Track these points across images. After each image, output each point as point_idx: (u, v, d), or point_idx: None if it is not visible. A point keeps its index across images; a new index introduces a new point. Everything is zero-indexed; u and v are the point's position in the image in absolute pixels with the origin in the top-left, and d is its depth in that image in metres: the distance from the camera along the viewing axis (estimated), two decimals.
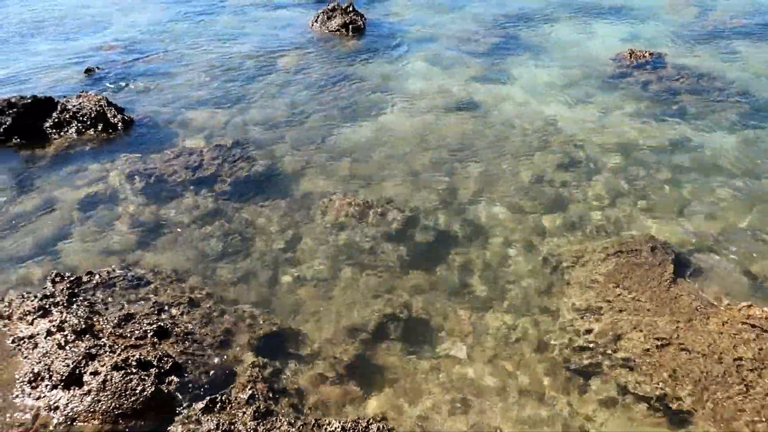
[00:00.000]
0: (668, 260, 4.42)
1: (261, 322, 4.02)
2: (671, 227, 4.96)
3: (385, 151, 6.11)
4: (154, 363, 3.44)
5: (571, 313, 4.12)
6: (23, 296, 3.94)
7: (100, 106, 6.54)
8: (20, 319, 3.75)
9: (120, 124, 6.50)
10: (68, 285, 4.03)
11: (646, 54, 7.96)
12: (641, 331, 3.85)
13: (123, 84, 8.00)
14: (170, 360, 3.49)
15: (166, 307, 3.99)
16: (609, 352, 3.80)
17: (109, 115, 6.51)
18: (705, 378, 3.51)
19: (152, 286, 4.28)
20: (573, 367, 3.78)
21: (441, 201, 5.33)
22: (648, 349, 3.74)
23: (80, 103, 6.62)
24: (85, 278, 4.18)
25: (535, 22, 9.82)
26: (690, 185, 5.48)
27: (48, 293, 3.96)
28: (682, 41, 8.81)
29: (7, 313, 3.84)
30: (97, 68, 8.54)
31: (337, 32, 9.34)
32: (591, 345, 3.87)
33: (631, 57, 7.96)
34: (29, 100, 6.47)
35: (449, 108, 6.97)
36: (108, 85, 8.00)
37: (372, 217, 5.00)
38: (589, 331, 3.96)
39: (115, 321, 3.75)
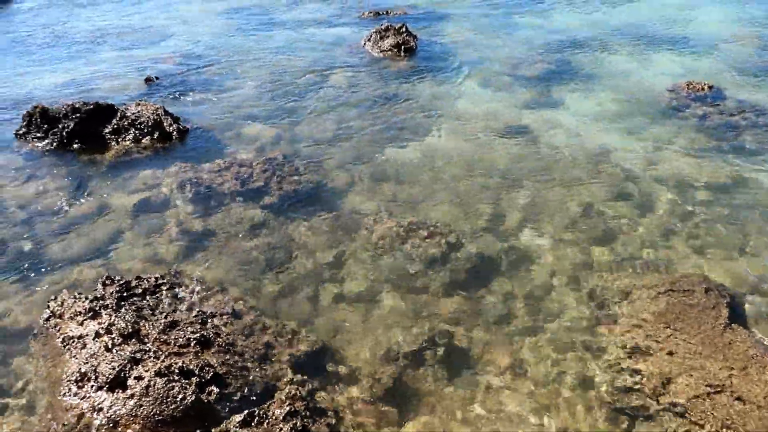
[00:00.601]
0: (723, 303, 4.24)
1: (301, 339, 4.03)
2: (727, 268, 4.77)
3: (432, 174, 6.10)
4: (196, 372, 3.48)
5: (618, 351, 3.99)
6: (75, 297, 4.06)
7: (158, 115, 6.75)
8: (71, 318, 3.87)
9: (175, 133, 6.70)
10: (118, 288, 4.13)
11: (705, 87, 7.75)
12: (692, 375, 3.70)
13: (179, 94, 8.26)
14: (211, 370, 3.53)
15: (210, 317, 4.05)
16: (657, 395, 3.66)
17: (165, 124, 6.72)
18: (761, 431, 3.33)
19: (197, 294, 4.35)
20: (617, 407, 3.65)
21: (486, 227, 5.28)
22: (699, 396, 3.58)
23: (139, 111, 6.86)
24: (134, 283, 4.29)
25: (589, 48, 9.70)
26: (748, 225, 5.27)
27: (98, 295, 4.07)
28: (742, 75, 8.54)
29: (59, 312, 3.97)
30: (156, 78, 8.84)
31: (389, 52, 9.43)
32: (638, 386, 3.73)
33: (688, 89, 7.76)
34: (92, 106, 6.75)
35: (498, 132, 6.92)
36: (165, 94, 8.28)
37: (416, 240, 4.98)
38: (636, 372, 3.82)
39: (160, 327, 3.82)
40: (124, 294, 4.11)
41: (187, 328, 3.84)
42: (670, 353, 3.88)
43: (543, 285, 4.63)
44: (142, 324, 3.83)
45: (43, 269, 4.78)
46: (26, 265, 4.84)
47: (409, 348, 4.06)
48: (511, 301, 4.50)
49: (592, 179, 5.96)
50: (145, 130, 6.69)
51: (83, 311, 3.87)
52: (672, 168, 6.18)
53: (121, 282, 4.23)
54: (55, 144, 6.55)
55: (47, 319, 4.01)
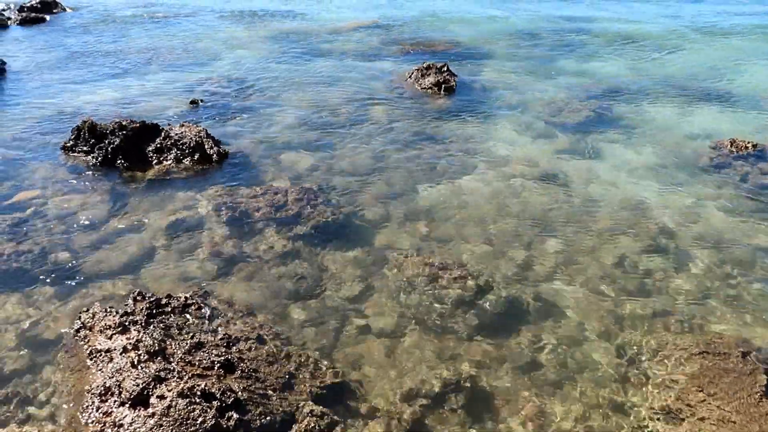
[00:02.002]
0: (761, 369, 4.08)
1: (324, 370, 4.01)
2: (766, 332, 4.61)
3: (464, 214, 6.09)
4: (218, 396, 3.48)
5: (647, 412, 3.86)
6: (106, 310, 4.13)
7: (200, 137, 6.93)
8: (101, 332, 3.93)
9: (215, 156, 6.85)
10: (148, 305, 4.19)
11: (749, 145, 7.62)
12: None
13: (221, 116, 8.47)
14: (233, 395, 3.52)
15: (235, 341, 4.06)
16: None
17: (206, 147, 6.88)
18: None
19: (224, 317, 4.38)
20: None
21: (517, 272, 5.22)
22: None
23: (182, 132, 7.05)
24: (164, 300, 4.34)
25: (631, 98, 9.67)
26: None
27: (129, 310, 4.13)
28: None
29: (89, 324, 4.03)
30: (201, 100, 9.10)
31: (430, 89, 9.56)
32: None
33: (731, 146, 7.64)
34: (138, 125, 6.96)
35: (533, 178, 6.89)
36: (208, 116, 8.50)
37: (445, 280, 4.95)
38: None
39: (186, 347, 3.85)
40: (154, 311, 4.17)
41: (212, 350, 3.86)
42: (702, 419, 3.73)
43: (572, 336, 4.54)
44: (168, 342, 3.86)
45: (77, 280, 4.89)
46: (62, 276, 4.95)
47: (432, 388, 4.00)
48: (538, 349, 4.41)
49: (627, 231, 5.87)
50: (187, 151, 6.86)
51: (113, 325, 3.93)
52: (710, 225, 6.06)
53: (152, 299, 4.29)
54: (99, 159, 6.76)
55: (77, 331, 4.08)
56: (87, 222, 5.74)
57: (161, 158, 6.87)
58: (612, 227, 5.94)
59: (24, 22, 15.79)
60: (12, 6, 17.10)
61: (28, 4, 16.93)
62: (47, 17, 16.17)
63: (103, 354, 3.78)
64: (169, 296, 4.39)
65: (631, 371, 4.22)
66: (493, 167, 7.13)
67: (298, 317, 4.61)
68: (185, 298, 4.46)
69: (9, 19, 15.98)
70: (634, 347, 4.43)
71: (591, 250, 5.57)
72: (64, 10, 16.94)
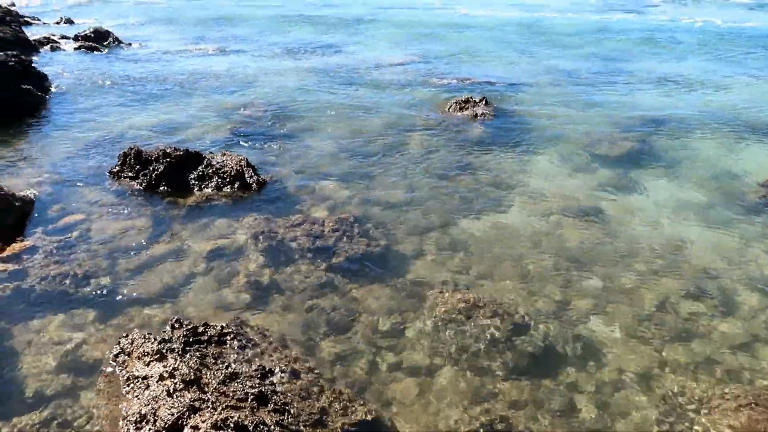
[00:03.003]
0: None
1: (356, 407, 3.96)
2: None
3: (501, 250, 6.02)
4: (251, 429, 3.47)
5: None
6: (145, 337, 4.20)
7: (240, 166, 7.08)
8: (139, 358, 3.99)
9: (255, 185, 6.98)
10: (185, 333, 4.24)
11: None
12: None
13: (261, 145, 8.65)
14: (266, 429, 3.51)
15: (269, 373, 4.07)
16: None
17: (246, 175, 7.02)
18: None
19: (259, 348, 4.40)
20: None
21: (554, 311, 5.12)
22: None
23: (223, 161, 7.21)
24: (200, 329, 4.39)
25: (674, 132, 9.48)
26: None
27: (166, 338, 4.19)
28: None
29: (128, 350, 4.10)
30: (241, 126, 9.32)
31: (467, 122, 9.58)
32: None
33: None
34: (181, 153, 7.16)
35: (571, 213, 6.79)
36: (248, 143, 8.69)
37: (480, 317, 4.88)
38: None
39: (221, 378, 3.87)
40: (191, 339, 4.21)
41: (246, 381, 3.87)
42: None
43: (611, 381, 4.40)
44: (204, 372, 3.89)
45: (118, 304, 4.99)
46: (103, 299, 5.07)
47: (465, 429, 3.92)
48: (576, 393, 4.28)
49: (670, 272, 5.71)
50: (227, 180, 7.01)
51: (150, 352, 3.99)
52: (758, 268, 5.84)
53: (189, 327, 4.34)
54: (144, 185, 6.96)
55: (116, 356, 4.15)
56: (129, 246, 5.89)
57: (203, 185, 7.03)
58: (653, 267, 5.78)
59: (78, 50, 16.52)
60: (68, 34, 17.95)
61: (83, 33, 17.76)
62: (99, 46, 16.91)
63: (140, 381, 3.83)
64: (205, 324, 4.44)
65: (675, 421, 4.06)
66: (531, 201, 7.06)
67: (331, 351, 4.59)
68: (221, 327, 4.49)
69: (65, 48, 16.75)
70: (678, 396, 4.26)
71: (631, 290, 5.42)
72: (116, 40, 17.69)
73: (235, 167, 7.13)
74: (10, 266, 5.45)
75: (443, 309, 4.98)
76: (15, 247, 5.82)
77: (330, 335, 4.75)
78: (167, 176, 7.01)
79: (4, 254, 5.65)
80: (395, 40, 18.58)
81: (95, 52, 16.37)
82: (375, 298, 5.19)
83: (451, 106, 10.10)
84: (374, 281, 5.44)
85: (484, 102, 9.89)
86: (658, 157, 8.47)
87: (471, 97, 10.02)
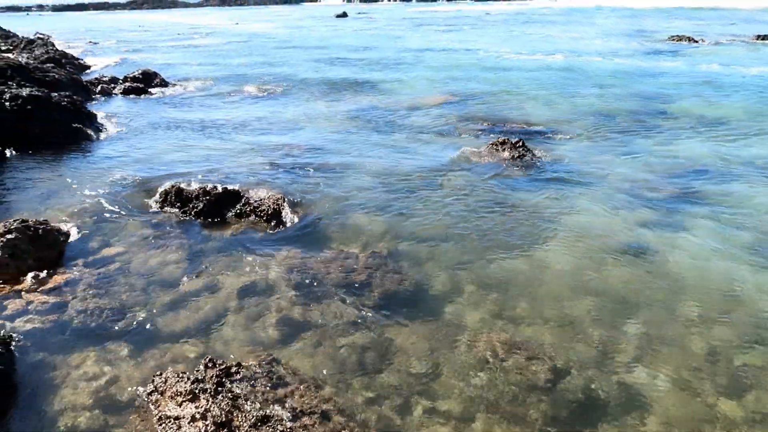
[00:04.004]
0: None
1: None
2: None
3: (539, 290, 5.85)
4: None
5: None
6: (179, 376, 4.18)
7: (277, 204, 7.17)
8: (171, 398, 3.96)
9: (290, 222, 7.03)
10: (218, 373, 4.21)
11: None
12: None
13: (298, 183, 8.74)
14: None
15: (300, 414, 3.98)
16: None
17: (282, 213, 7.11)
18: None
19: (290, 388, 4.33)
20: None
21: (595, 356, 4.90)
22: None
23: (261, 199, 7.32)
24: (233, 368, 4.35)
25: (719, 179, 9.16)
26: None
27: (200, 377, 4.16)
28: None
29: (161, 388, 4.08)
30: (279, 165, 9.47)
31: (504, 163, 9.51)
32: None
33: None
34: (220, 191, 7.31)
35: (613, 254, 6.58)
36: (286, 180, 8.80)
37: (518, 361, 4.71)
38: None
39: (252, 420, 3.80)
40: (223, 379, 4.17)
41: (277, 425, 3.79)
42: None
43: None
44: (235, 414, 3.83)
45: (152, 340, 5.02)
46: (138, 334, 5.11)
47: None
48: None
49: (720, 319, 5.43)
50: (264, 217, 7.09)
51: (183, 392, 3.96)
52: None
53: (222, 366, 4.31)
54: (183, 221, 7.09)
55: (149, 394, 4.14)
56: (166, 280, 5.96)
57: (240, 222, 7.12)
58: (702, 313, 5.51)
59: (126, 92, 17.25)
60: (118, 75, 18.78)
61: (131, 75, 18.56)
62: (146, 87, 17.62)
63: (173, 421, 3.79)
64: (239, 364, 4.41)
65: None
66: (570, 242, 6.88)
67: (363, 393, 4.48)
68: (254, 366, 4.46)
69: (115, 88, 17.51)
70: None
71: (678, 337, 5.17)
72: (163, 81, 18.42)
73: (272, 206, 7.22)
74: (51, 298, 5.58)
75: (479, 351, 4.83)
76: (57, 279, 5.96)
77: (362, 375, 4.64)
78: (206, 213, 7.14)
79: (47, 287, 5.78)
80: (433, 81, 18.82)
81: (143, 93, 17.07)
82: (408, 338, 5.08)
83: (487, 147, 10.06)
84: (408, 320, 5.33)
85: (521, 144, 9.82)
86: (702, 201, 8.18)
87: (507, 139, 9.97)
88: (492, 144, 10.02)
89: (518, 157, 9.49)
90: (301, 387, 4.36)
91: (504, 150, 9.70)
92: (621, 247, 6.71)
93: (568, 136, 11.54)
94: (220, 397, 3.93)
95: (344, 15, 71.42)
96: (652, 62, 22.58)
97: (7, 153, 10.11)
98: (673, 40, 30.38)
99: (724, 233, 7.16)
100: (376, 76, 20.11)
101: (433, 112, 13.88)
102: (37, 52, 22.13)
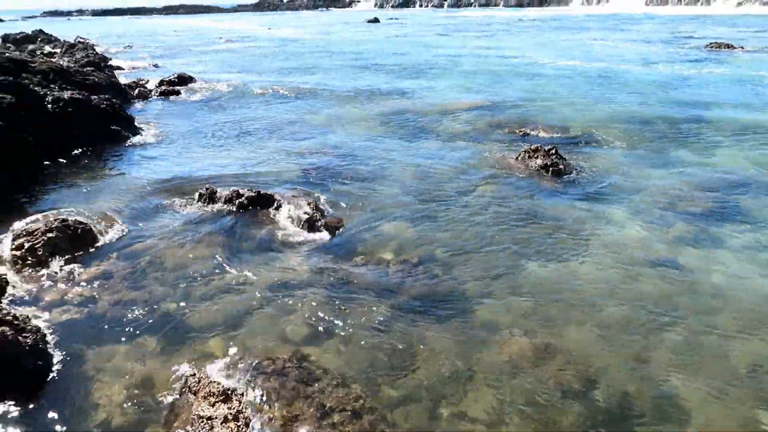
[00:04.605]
0: None
1: None
2: None
3: (572, 298, 5.77)
4: None
5: None
6: (210, 378, 4.23)
7: (309, 208, 7.24)
8: (205, 398, 4.02)
9: (322, 225, 7.08)
10: (248, 370, 4.26)
11: None
12: None
13: (330, 187, 8.80)
14: None
15: (330, 412, 4.00)
16: None
17: (314, 217, 7.16)
18: None
19: (319, 385, 4.36)
20: None
21: (630, 364, 4.80)
22: None
23: (292, 203, 7.41)
24: (264, 363, 4.40)
25: (761, 190, 8.87)
26: None
27: (230, 373, 4.21)
28: None
29: (195, 388, 4.15)
30: (311, 169, 9.56)
31: (537, 172, 9.41)
32: None
33: None
34: (253, 194, 7.42)
35: (647, 265, 6.45)
36: (318, 184, 8.87)
37: (550, 366, 4.65)
38: None
39: (281, 419, 3.83)
40: (254, 375, 4.22)
41: (307, 422, 3.81)
42: None
43: None
44: (263, 411, 3.87)
45: (184, 334, 5.09)
46: (170, 328, 5.19)
47: None
48: None
49: (758, 331, 5.26)
50: (295, 220, 7.16)
51: (216, 393, 4.02)
52: None
53: (253, 363, 4.36)
54: (216, 222, 7.21)
55: (182, 393, 4.20)
56: (197, 277, 6.07)
57: (271, 224, 7.20)
58: (740, 324, 5.36)
59: (162, 95, 17.62)
60: (155, 78, 19.22)
61: (167, 78, 18.97)
62: (182, 90, 17.97)
63: (206, 421, 3.85)
64: (269, 359, 4.45)
65: None
66: (604, 251, 6.76)
67: (392, 393, 4.47)
68: (283, 360, 4.50)
69: (151, 91, 17.92)
70: None
71: (716, 347, 5.03)
72: (198, 84, 18.76)
73: (303, 209, 7.28)
74: (86, 291, 5.73)
75: (511, 355, 4.78)
76: (92, 272, 6.13)
77: (391, 376, 4.64)
78: (238, 215, 7.25)
79: (83, 280, 5.94)
80: (465, 87, 18.77)
81: (178, 96, 17.42)
82: (438, 341, 5.06)
83: (520, 155, 9.96)
84: (438, 323, 5.31)
85: (554, 152, 9.69)
86: (741, 215, 7.92)
87: (540, 147, 9.85)
88: (525, 151, 9.91)
89: (551, 165, 9.36)
90: (331, 384, 4.38)
91: (537, 158, 9.59)
92: (656, 260, 6.55)
93: (603, 145, 11.36)
94: (251, 396, 3.97)
95: (376, 20, 71.84)
96: (691, 70, 22.12)
97: (49, 154, 10.41)
98: (712, 47, 29.71)
99: (762, 248, 6.94)
100: (408, 82, 20.16)
101: (466, 118, 13.83)
102: (78, 56, 22.79)
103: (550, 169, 9.32)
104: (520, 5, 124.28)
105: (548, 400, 4.37)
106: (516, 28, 52.71)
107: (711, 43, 30.61)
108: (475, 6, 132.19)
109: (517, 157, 9.99)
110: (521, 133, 12.18)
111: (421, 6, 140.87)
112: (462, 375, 4.67)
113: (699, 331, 5.23)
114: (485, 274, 6.18)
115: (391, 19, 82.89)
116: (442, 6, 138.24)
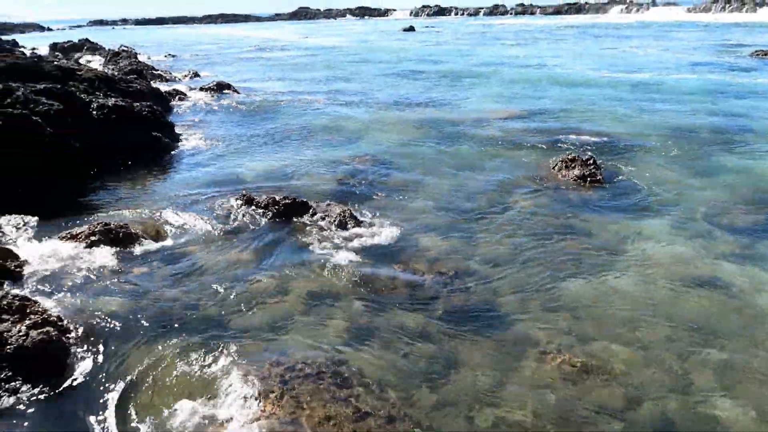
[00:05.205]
0: None
1: None
2: None
3: (610, 314, 5.64)
4: None
5: None
6: (247, 379, 4.28)
7: (344, 216, 7.29)
8: (240, 398, 4.07)
9: (356, 235, 7.12)
10: (284, 372, 4.30)
11: None
12: None
13: (365, 195, 8.84)
14: None
15: (365, 416, 4.01)
16: None
17: (349, 225, 7.19)
18: None
19: (355, 390, 4.36)
20: None
21: (672, 384, 4.66)
22: None
23: (328, 211, 7.47)
24: (300, 366, 4.44)
25: None
26: None
27: (266, 375, 4.26)
28: None
29: (230, 389, 4.20)
30: (346, 177, 9.62)
31: (575, 182, 9.27)
32: None
33: None
34: (289, 201, 7.52)
35: (689, 282, 6.25)
36: (352, 194, 8.92)
37: (589, 384, 4.55)
38: None
39: (317, 420, 3.85)
40: (288, 377, 4.26)
41: (342, 424, 3.82)
42: None
43: None
44: (300, 412, 3.89)
45: (222, 336, 5.16)
46: (209, 331, 5.27)
47: None
48: None
49: None
50: (331, 228, 7.23)
51: (251, 394, 4.06)
52: None
53: (288, 365, 4.40)
54: (253, 227, 7.32)
55: (219, 394, 4.26)
56: (235, 280, 6.17)
57: (307, 232, 7.27)
58: None
59: (202, 102, 18.01)
60: (194, 86, 19.67)
61: (207, 86, 19.40)
62: (220, 98, 18.35)
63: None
64: (304, 362, 4.49)
65: None
66: (643, 267, 6.59)
67: (427, 400, 4.44)
68: (318, 364, 4.53)
69: (190, 99, 18.32)
70: None
71: (763, 368, 4.85)
72: (236, 92, 19.13)
73: (338, 218, 7.33)
74: (126, 293, 5.89)
75: (547, 370, 4.71)
76: (132, 274, 6.29)
77: (427, 384, 4.61)
78: (275, 221, 7.36)
79: (123, 282, 6.10)
80: (501, 95, 18.66)
81: (216, 104, 17.78)
82: (474, 352, 5.01)
83: (556, 165, 9.83)
84: (473, 335, 5.26)
85: (592, 161, 9.53)
86: None
87: (578, 156, 9.70)
88: (562, 161, 9.77)
89: (589, 175, 9.20)
90: (366, 389, 4.39)
91: (575, 168, 9.44)
92: (699, 278, 6.34)
93: (643, 155, 11.11)
94: (285, 398, 4.01)
95: (411, 29, 72.12)
96: (736, 78, 21.51)
97: (94, 159, 10.73)
98: (758, 55, 28.83)
99: None
100: (444, 90, 20.14)
101: (502, 128, 13.73)
102: (121, 64, 23.51)
103: (588, 179, 9.17)
104: (557, 13, 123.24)
105: (585, 418, 4.28)
106: (554, 36, 52.18)
107: (757, 51, 29.70)
108: (511, 14, 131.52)
109: (554, 167, 9.85)
110: (558, 143, 12.03)
111: (456, 15, 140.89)
112: (499, 387, 4.61)
113: (745, 353, 5.06)
114: (521, 288, 6.10)
115: (427, 27, 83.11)
116: (477, 14, 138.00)
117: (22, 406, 4.22)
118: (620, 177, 9.70)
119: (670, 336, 5.30)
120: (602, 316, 5.61)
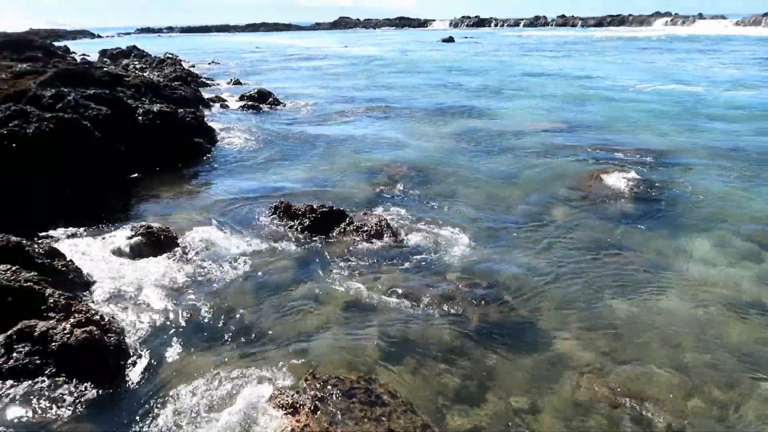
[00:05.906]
0: None
1: None
2: None
3: (652, 338, 5.47)
4: None
5: None
6: (281, 389, 4.30)
7: (380, 226, 7.28)
8: (275, 408, 4.08)
9: (392, 245, 7.09)
10: (318, 386, 4.29)
11: None
12: None
13: (401, 205, 8.83)
14: None
15: None
16: None
17: (385, 236, 7.19)
18: None
19: (387, 408, 4.33)
20: None
21: (716, 414, 4.48)
22: None
23: (365, 220, 7.47)
24: (331, 381, 4.42)
25: None
26: None
27: (301, 388, 4.27)
28: None
29: (265, 399, 4.23)
30: (382, 186, 9.63)
31: (615, 196, 9.06)
32: None
33: None
34: (326, 210, 7.55)
35: (737, 306, 6.03)
36: (388, 203, 8.92)
37: (628, 409, 4.42)
38: None
39: None
40: (321, 393, 4.25)
41: None
42: None
43: None
44: (332, 429, 3.88)
45: (258, 345, 5.20)
46: (245, 338, 5.33)
47: None
48: None
49: None
50: (367, 238, 7.22)
51: (286, 405, 4.07)
52: None
53: (322, 379, 4.39)
54: (291, 235, 7.37)
55: (253, 402, 4.28)
56: (272, 288, 6.25)
57: (343, 240, 7.29)
58: None
59: (242, 109, 18.33)
60: (236, 93, 20.03)
61: (248, 93, 19.72)
62: (261, 105, 18.62)
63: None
64: (338, 378, 4.47)
65: None
66: (688, 288, 6.39)
67: (459, 422, 4.38)
68: (351, 381, 4.51)
69: (231, 106, 18.68)
70: None
71: None
72: (276, 100, 19.40)
73: (374, 227, 7.33)
74: (167, 296, 6.00)
75: (586, 393, 4.59)
76: (172, 277, 6.41)
77: (459, 405, 4.54)
78: (313, 229, 7.43)
79: (161, 284, 6.22)
80: (541, 107, 18.44)
81: (257, 111, 18.07)
82: (509, 371, 4.92)
83: (597, 178, 9.64)
84: (509, 352, 5.17)
85: (633, 175, 9.32)
86: None
87: (618, 170, 9.49)
88: (602, 174, 9.58)
89: (630, 190, 9.00)
90: (398, 408, 4.35)
91: (615, 182, 9.25)
92: (745, 300, 6.12)
93: (686, 171, 10.78)
94: (318, 412, 4.00)
95: (450, 39, 72.06)
96: None
97: (138, 163, 11.02)
98: None
99: None
100: (483, 101, 20.03)
101: (541, 140, 13.55)
102: (166, 71, 24.14)
103: (629, 194, 8.96)
104: (599, 24, 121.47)
105: None
106: (596, 48, 51.41)
107: None
108: (552, 25, 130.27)
109: (593, 181, 9.66)
110: (598, 157, 11.78)
111: (496, 26, 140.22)
112: (532, 410, 4.51)
113: None
114: (558, 304, 5.98)
115: (466, 38, 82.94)
116: (517, 25, 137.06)
117: (65, 402, 4.33)
118: (662, 193, 9.44)
119: (715, 363, 5.10)
120: (643, 338, 5.44)
